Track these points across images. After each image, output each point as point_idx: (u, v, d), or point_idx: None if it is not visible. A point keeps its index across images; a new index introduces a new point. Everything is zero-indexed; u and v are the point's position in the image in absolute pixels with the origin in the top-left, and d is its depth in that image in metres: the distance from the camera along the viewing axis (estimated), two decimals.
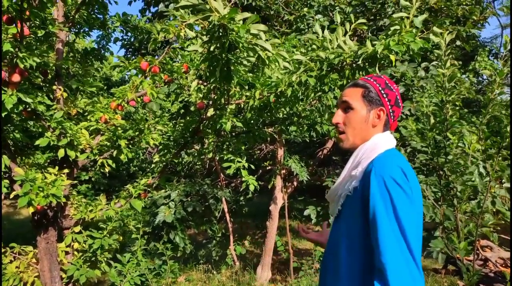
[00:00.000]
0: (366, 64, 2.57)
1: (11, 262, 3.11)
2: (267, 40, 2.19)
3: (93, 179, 9.70)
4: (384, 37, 2.47)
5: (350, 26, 2.66)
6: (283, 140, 5.25)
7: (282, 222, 7.33)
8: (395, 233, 1.07)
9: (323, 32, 2.84)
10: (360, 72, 2.64)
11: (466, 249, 3.17)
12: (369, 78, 1.33)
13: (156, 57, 6.22)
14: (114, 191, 9.66)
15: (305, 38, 2.98)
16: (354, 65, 2.61)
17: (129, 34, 4.93)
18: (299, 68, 2.72)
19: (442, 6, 4.89)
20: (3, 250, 3.12)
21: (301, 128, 3.31)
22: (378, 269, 1.07)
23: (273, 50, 2.34)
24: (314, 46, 2.82)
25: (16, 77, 2.63)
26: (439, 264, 4.25)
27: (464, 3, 5.17)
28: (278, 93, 2.82)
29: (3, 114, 2.63)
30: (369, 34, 5.24)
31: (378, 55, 2.39)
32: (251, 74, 2.75)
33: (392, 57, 2.37)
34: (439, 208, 3.57)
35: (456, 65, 5.64)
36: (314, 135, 3.76)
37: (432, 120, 3.52)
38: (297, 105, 3.09)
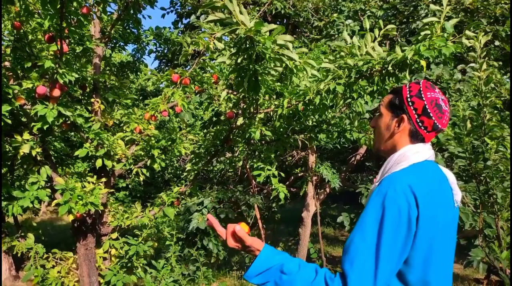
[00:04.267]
0: (396, 70, 2.53)
1: (53, 267, 3.27)
2: (295, 47, 2.21)
3: (130, 186, 10.02)
4: (415, 42, 2.43)
5: (379, 32, 2.62)
6: (315, 147, 5.22)
7: (315, 228, 7.25)
8: (370, 248, 1.08)
9: (351, 38, 2.82)
10: (390, 78, 2.59)
11: (509, 259, 3.02)
12: (407, 84, 1.29)
13: (188, 67, 6.39)
14: (150, 197, 9.93)
15: (334, 45, 2.97)
16: (383, 71, 2.57)
17: (162, 46, 5.11)
18: (327, 76, 2.71)
19: (479, 6, 4.71)
20: (45, 256, 3.29)
21: (330, 135, 3.28)
22: (343, 273, 1.09)
23: (300, 59, 2.35)
24: (342, 53, 2.80)
25: (56, 92, 2.78)
26: (480, 274, 4.07)
27: (502, 2, 4.95)
28: (307, 102, 2.81)
29: (44, 127, 2.79)
30: (402, 37, 5.14)
31: (408, 61, 2.34)
32: (279, 84, 2.77)
33: (423, 63, 2.32)
34: (479, 215, 3.43)
35: (496, 66, 5.41)
36: (344, 142, 3.73)
37: (469, 125, 3.40)
38: (326, 112, 3.08)
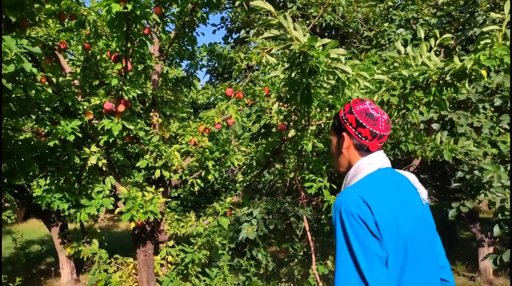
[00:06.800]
0: (455, 80, 2.46)
1: (115, 272, 3.47)
2: (346, 58, 2.22)
3: (181, 196, 10.34)
4: (474, 51, 2.35)
5: (435, 41, 2.57)
6: None
7: None
8: (347, 260, 1.13)
9: (405, 48, 2.78)
10: (448, 89, 2.52)
11: None
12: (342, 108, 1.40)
13: (237, 80, 6.55)
14: (200, 207, 10.17)
15: (387, 55, 2.94)
16: (440, 81, 2.51)
17: (213, 61, 5.32)
18: (380, 87, 2.69)
19: None
20: (108, 261, 3.50)
21: (384, 147, 3.22)
22: None
23: (352, 71, 2.36)
24: (396, 64, 2.77)
25: (121, 108, 2.99)
26: None
27: None
28: None
29: (110, 140, 3.00)
30: (458, 45, 4.95)
31: (467, 70, 2.27)
32: (331, 96, 2.78)
33: (483, 72, 2.24)
34: None
35: None
36: (398, 153, 3.64)
37: None
38: None
